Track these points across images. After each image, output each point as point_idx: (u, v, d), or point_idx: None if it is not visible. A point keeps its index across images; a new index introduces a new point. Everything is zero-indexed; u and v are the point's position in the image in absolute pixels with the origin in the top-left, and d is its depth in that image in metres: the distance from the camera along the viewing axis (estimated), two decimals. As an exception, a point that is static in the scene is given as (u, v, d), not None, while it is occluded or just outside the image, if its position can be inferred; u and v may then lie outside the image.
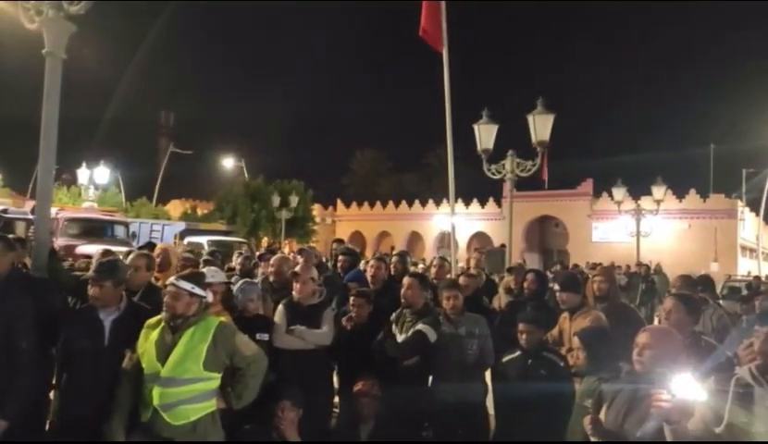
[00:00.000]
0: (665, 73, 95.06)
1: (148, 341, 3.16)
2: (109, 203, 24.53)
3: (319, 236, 34.15)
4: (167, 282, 3.26)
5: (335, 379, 4.73)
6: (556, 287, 4.53)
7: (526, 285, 5.20)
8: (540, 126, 8.68)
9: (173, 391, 3.05)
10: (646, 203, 20.70)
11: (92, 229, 14.27)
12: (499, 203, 35.73)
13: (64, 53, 3.97)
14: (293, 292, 4.38)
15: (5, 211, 12.71)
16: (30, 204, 14.65)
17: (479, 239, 34.30)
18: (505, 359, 4.12)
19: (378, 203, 42.45)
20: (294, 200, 27.96)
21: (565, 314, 4.37)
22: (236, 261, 6.82)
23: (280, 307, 4.32)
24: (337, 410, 4.69)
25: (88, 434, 3.19)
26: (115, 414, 3.15)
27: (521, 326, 3.99)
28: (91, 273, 3.38)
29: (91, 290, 3.29)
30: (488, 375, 4.70)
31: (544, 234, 37.45)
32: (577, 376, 3.83)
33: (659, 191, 19.00)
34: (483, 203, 37.34)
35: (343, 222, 42.64)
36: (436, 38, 7.91)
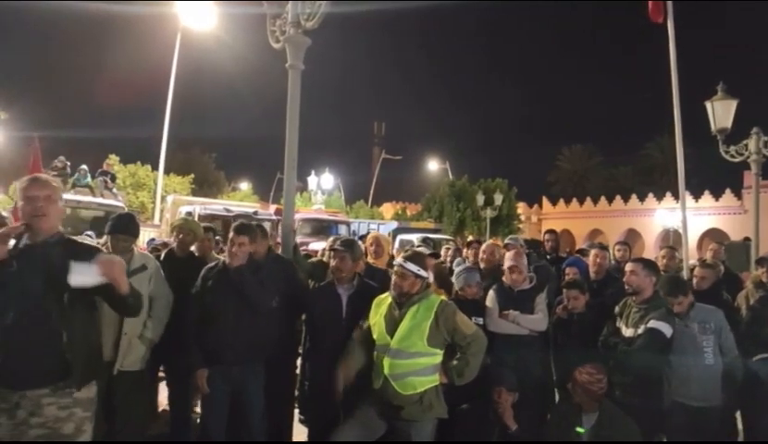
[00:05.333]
0: None
1: (378, 315, 3.48)
2: (333, 205, 27.38)
3: (525, 234, 33.38)
4: (395, 263, 3.56)
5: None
6: None
7: (788, 277, 4.39)
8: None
9: (401, 363, 3.31)
10: None
11: (321, 228, 16.19)
12: (738, 195, 30.81)
13: (302, 64, 4.57)
14: (504, 278, 4.41)
15: (255, 213, 15.06)
16: (272, 208, 17.15)
17: (713, 236, 29.92)
18: (757, 358, 3.56)
19: (589, 200, 39.84)
20: (498, 198, 27.80)
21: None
22: (445, 254, 7.15)
23: (491, 292, 4.36)
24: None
25: (332, 393, 3.62)
26: (337, 376, 3.51)
27: None
28: (334, 246, 3.86)
29: (334, 262, 3.77)
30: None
31: (802, 231, 31.07)
32: None
33: None
34: (717, 195, 32.56)
35: (549, 220, 40.97)
36: (656, 7, 7.16)
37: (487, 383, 3.75)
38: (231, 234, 3.64)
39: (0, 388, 2.33)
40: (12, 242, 2.39)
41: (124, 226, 3.73)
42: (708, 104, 8.26)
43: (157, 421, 4.59)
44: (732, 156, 8.54)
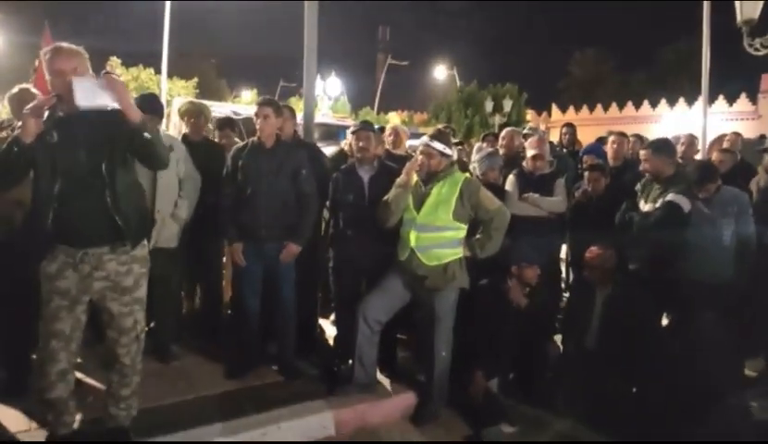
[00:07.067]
0: None
1: (405, 191, 3.54)
2: (340, 111, 26.87)
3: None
4: (421, 142, 3.59)
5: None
6: None
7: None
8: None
9: (427, 236, 3.43)
10: None
11: (329, 133, 16.02)
12: (753, 100, 30.01)
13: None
14: (524, 164, 4.45)
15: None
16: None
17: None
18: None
19: (600, 106, 38.92)
20: (508, 104, 27.28)
21: None
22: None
23: (511, 176, 4.43)
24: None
25: (357, 271, 3.80)
26: None
27: None
28: (359, 128, 3.89)
29: (358, 143, 3.80)
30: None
31: (817, 138, 30.48)
32: None
33: None
34: (732, 99, 31.74)
35: (558, 128, 40.27)
36: None
37: (507, 261, 3.89)
38: (256, 108, 3.63)
39: (64, 246, 2.46)
40: (47, 114, 2.42)
41: (147, 104, 3.68)
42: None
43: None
44: (756, 49, 8.26)
